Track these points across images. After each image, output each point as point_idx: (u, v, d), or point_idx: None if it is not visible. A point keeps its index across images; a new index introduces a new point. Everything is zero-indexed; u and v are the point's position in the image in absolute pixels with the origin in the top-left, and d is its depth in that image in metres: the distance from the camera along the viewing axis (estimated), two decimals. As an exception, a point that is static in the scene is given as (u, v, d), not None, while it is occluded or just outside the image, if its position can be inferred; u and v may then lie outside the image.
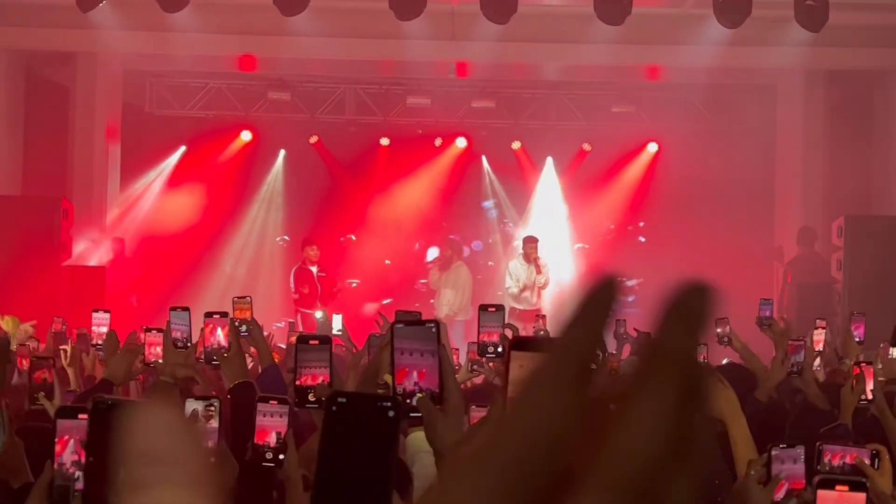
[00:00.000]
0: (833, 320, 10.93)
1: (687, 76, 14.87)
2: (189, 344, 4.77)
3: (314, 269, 14.34)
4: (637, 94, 15.84)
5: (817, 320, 7.54)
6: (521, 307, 13.95)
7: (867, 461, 3.26)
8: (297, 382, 3.30)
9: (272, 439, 3.19)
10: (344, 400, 1.54)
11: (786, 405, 5.88)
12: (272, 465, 3.19)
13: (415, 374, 2.22)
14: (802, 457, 3.01)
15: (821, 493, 2.30)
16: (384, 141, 16.52)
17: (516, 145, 16.60)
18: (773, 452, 2.99)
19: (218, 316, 4.61)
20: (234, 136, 16.36)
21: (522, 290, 14.07)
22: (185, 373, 4.56)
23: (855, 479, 2.40)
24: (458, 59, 14.54)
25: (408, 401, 2.23)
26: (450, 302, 14.56)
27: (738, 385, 4.08)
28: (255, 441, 3.20)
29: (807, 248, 14.37)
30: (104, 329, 6.65)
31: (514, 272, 14.25)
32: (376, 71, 15.68)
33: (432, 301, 14.91)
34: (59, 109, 14.58)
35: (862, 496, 2.30)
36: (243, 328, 5.96)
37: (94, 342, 6.84)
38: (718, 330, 7.41)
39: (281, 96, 15.81)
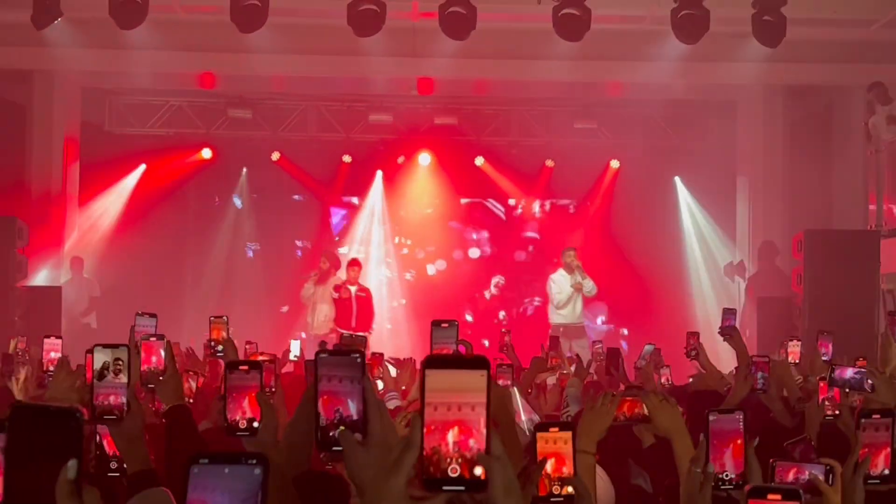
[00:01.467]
0: (793, 335, 10.94)
1: (647, 93, 14.92)
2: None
3: (353, 288, 14.23)
4: (599, 110, 15.86)
5: (790, 342, 7.57)
6: (563, 321, 13.92)
7: (821, 477, 3.22)
8: (228, 413, 3.21)
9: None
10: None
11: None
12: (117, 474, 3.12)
13: (339, 404, 2.18)
14: (740, 420, 2.93)
15: (751, 502, 2.23)
16: (346, 158, 16.45)
17: (479, 161, 16.56)
18: (711, 418, 2.91)
19: (155, 339, 4.52)
20: (194, 154, 16.23)
21: (567, 301, 14.02)
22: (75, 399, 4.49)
23: (788, 487, 2.33)
24: (418, 76, 14.50)
25: (331, 433, 2.20)
26: (326, 317, 14.31)
27: (705, 406, 4.03)
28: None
29: (767, 263, 14.44)
30: (55, 355, 6.52)
31: (558, 282, 14.18)
32: (338, 88, 15.61)
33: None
34: (15, 128, 14.40)
35: None
36: (219, 348, 5.88)
37: (45, 369, 6.69)
38: (690, 342, 7.47)
39: (242, 114, 15.73)
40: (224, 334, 6.11)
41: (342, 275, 14.52)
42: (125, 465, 3.12)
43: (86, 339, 10.96)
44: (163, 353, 4.46)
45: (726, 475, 2.87)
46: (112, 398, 3.14)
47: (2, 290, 12.14)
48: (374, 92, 15.61)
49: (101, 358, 3.18)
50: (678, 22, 11.65)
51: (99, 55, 13.32)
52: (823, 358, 7.26)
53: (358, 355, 2.23)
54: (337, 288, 14.24)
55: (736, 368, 7.20)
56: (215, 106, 15.91)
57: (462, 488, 1.52)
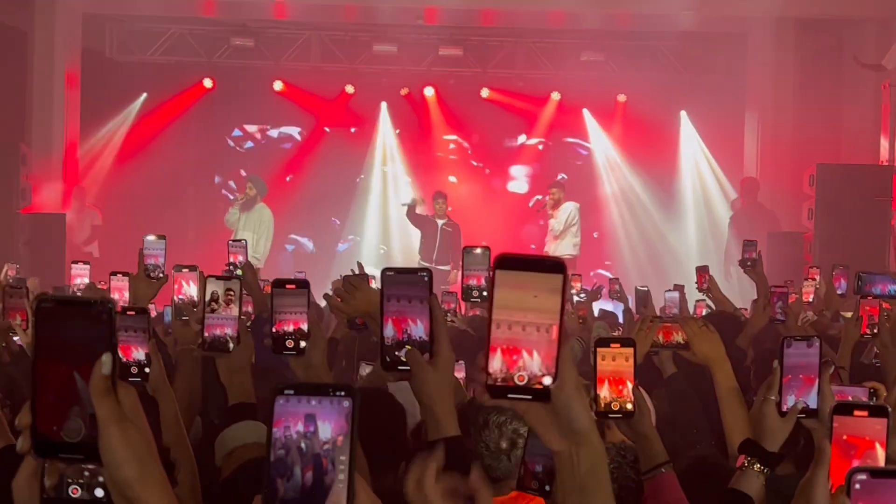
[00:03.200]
0: (804, 269, 10.91)
1: (656, 24, 14.72)
2: (162, 274, 4.60)
3: (441, 221, 14.15)
4: (606, 42, 15.65)
5: (810, 270, 7.50)
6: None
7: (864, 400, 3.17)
8: (274, 329, 3.15)
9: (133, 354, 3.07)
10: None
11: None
12: (138, 379, 3.08)
13: (404, 323, 2.14)
14: (816, 349, 2.86)
15: (838, 419, 2.16)
16: (349, 88, 16.26)
17: (485, 93, 16.37)
18: (787, 349, 2.83)
19: (187, 270, 4.44)
20: (196, 84, 16.01)
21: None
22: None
23: (876, 404, 2.26)
24: (425, 6, 14.27)
25: (396, 353, 2.14)
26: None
27: (722, 332, 3.98)
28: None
29: (749, 199, 14.37)
30: (85, 280, 6.43)
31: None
32: (342, 17, 15.38)
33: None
34: (16, 54, 14.15)
35: (883, 422, 2.16)
36: (239, 271, 5.83)
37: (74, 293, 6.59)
38: (701, 277, 7.45)
39: (244, 42, 15.50)
40: (242, 258, 6.05)
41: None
42: (147, 371, 3.07)
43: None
44: (194, 284, 4.38)
45: (800, 403, 2.79)
46: (222, 330, 3.13)
47: (5, 217, 12.04)
48: (378, 21, 15.39)
49: (211, 288, 3.15)
50: (694, -49, 11.45)
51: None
52: (839, 292, 7.22)
53: (425, 273, 2.16)
54: (421, 220, 14.31)
55: (753, 301, 7.19)
56: (217, 34, 15.68)
57: (529, 397, 1.44)
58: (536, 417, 1.48)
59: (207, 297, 3.14)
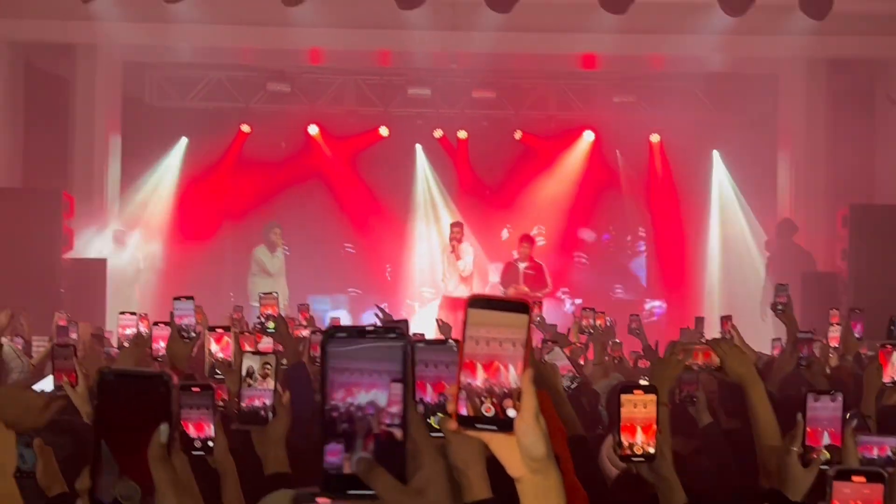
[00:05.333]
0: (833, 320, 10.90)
1: (689, 66, 14.82)
2: (194, 333, 4.73)
3: (522, 265, 14.12)
4: (638, 83, 15.77)
5: (831, 312, 7.52)
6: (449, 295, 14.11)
7: None
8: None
9: (195, 430, 3.14)
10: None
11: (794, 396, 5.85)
12: (201, 453, 3.14)
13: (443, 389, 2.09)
14: (840, 405, 2.96)
15: (836, 484, 2.26)
16: (383, 130, 16.44)
17: (518, 135, 16.51)
18: (811, 402, 2.93)
19: (221, 330, 4.57)
20: (235, 129, 16.25)
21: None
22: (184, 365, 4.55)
23: (872, 469, 2.35)
24: (458, 50, 14.46)
25: (428, 419, 2.10)
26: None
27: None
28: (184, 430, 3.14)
29: (786, 240, 14.34)
30: (132, 331, 6.52)
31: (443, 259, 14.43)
32: (377, 61, 15.61)
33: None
34: (59, 101, 14.49)
35: (879, 487, 2.25)
36: (270, 325, 5.90)
37: (121, 344, 6.66)
38: (722, 329, 7.52)
39: (281, 88, 15.74)
40: (274, 311, 6.12)
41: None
42: (211, 444, 3.14)
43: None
44: (230, 341, 4.51)
45: (823, 455, 2.89)
46: (259, 402, 3.24)
47: (48, 263, 12.26)
48: (412, 66, 15.60)
49: (248, 363, 3.26)
50: (724, -6, 11.55)
51: (142, 29, 13.34)
52: (857, 336, 7.25)
53: (454, 344, 2.23)
54: (507, 266, 14.28)
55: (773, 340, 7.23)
56: (254, 80, 15.94)
57: (494, 428, 1.53)
58: (499, 445, 1.56)
59: (244, 372, 3.24)
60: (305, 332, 6.83)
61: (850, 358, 6.99)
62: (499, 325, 1.54)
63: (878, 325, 8.90)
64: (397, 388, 1.48)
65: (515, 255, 14.25)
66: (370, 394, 1.47)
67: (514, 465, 1.57)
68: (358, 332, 1.48)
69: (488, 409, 1.53)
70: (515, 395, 1.53)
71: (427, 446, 1.53)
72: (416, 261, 16.78)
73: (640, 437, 2.92)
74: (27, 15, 13.17)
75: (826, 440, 2.96)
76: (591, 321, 8.36)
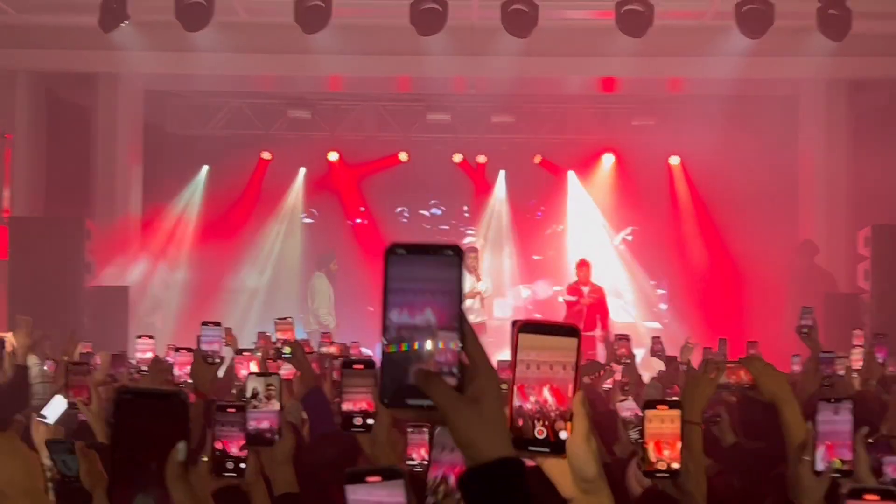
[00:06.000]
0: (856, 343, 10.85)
1: (708, 88, 14.81)
2: (219, 359, 4.77)
3: (586, 289, 14.21)
4: (657, 106, 15.79)
5: (854, 333, 7.49)
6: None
7: None
8: (343, 407, 3.30)
9: (233, 449, 3.16)
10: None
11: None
12: (234, 475, 3.14)
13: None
14: (849, 410, 2.96)
15: (849, 503, 2.26)
16: (402, 156, 16.49)
17: (538, 159, 16.54)
18: (821, 411, 2.95)
19: (248, 353, 4.61)
20: (256, 156, 16.34)
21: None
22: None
23: (887, 488, 2.35)
24: (477, 75, 14.51)
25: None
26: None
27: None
28: (215, 449, 3.15)
29: (808, 261, 14.27)
30: (149, 355, 6.57)
31: None
32: (396, 87, 15.69)
33: None
34: (80, 130, 14.62)
35: None
36: (286, 350, 5.92)
37: (138, 368, 6.72)
38: (750, 352, 7.53)
39: (301, 114, 15.83)
40: (291, 336, 6.13)
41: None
42: (243, 466, 3.15)
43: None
44: (256, 365, 4.55)
45: (835, 463, 2.90)
46: (265, 423, 3.26)
47: (71, 291, 12.33)
48: (431, 91, 15.67)
49: (253, 385, 3.29)
50: (742, 16, 11.57)
51: (163, 57, 13.44)
52: (879, 361, 7.22)
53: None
54: (570, 289, 14.31)
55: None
56: (274, 107, 16.04)
57: (547, 450, 1.56)
58: (551, 466, 1.60)
59: (248, 394, 3.27)
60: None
61: (874, 382, 6.96)
62: (549, 349, 1.57)
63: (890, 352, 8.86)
64: (454, 302, 1.48)
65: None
66: (427, 309, 1.46)
67: (566, 486, 1.60)
68: (416, 249, 1.48)
69: (540, 432, 1.56)
70: (567, 417, 1.56)
71: (482, 358, 1.50)
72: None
73: (665, 452, 2.92)
74: (49, 45, 13.31)
75: (839, 450, 2.96)
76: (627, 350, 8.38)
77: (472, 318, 13.54)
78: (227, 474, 3.15)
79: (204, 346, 4.76)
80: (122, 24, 11.78)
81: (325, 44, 12.61)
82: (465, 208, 17.17)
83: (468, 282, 14.02)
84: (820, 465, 2.92)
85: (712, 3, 12.37)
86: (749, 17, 11.54)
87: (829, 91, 14.69)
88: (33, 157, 13.78)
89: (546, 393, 1.56)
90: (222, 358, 4.82)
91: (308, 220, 16.91)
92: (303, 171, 16.81)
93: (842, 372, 6.65)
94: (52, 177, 14.10)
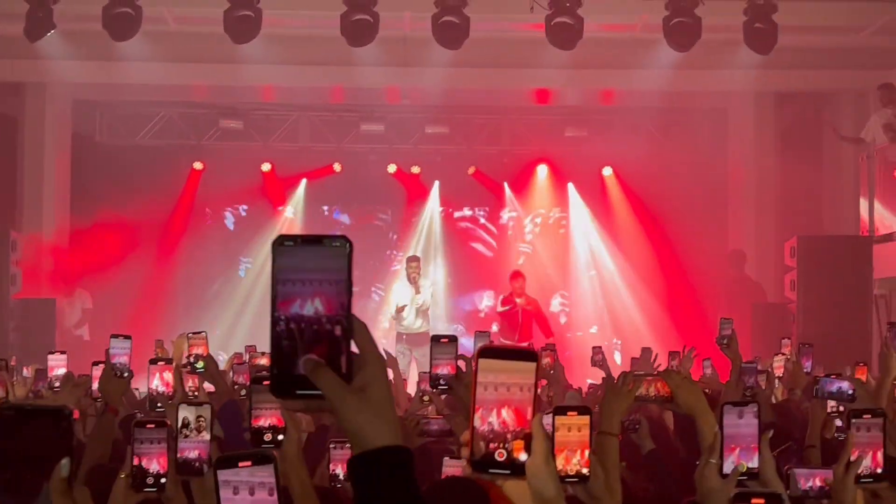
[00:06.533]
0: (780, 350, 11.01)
1: (639, 100, 14.98)
2: (128, 372, 4.73)
3: (520, 300, 14.14)
4: (590, 118, 15.91)
5: (783, 342, 7.61)
6: (402, 330, 14.03)
7: None
8: (252, 423, 3.30)
9: (152, 465, 3.17)
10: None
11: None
12: (154, 490, 3.17)
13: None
14: (754, 413, 3.02)
15: None
16: (336, 167, 16.44)
17: (471, 170, 16.58)
18: (727, 415, 3.01)
19: (163, 363, 4.58)
20: (188, 166, 16.20)
21: (400, 310, 14.05)
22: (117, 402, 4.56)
23: (771, 492, 2.41)
24: (411, 85, 14.54)
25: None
26: None
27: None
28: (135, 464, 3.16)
29: (737, 271, 14.47)
30: (61, 371, 6.52)
31: (397, 292, 14.33)
32: (329, 97, 15.65)
33: None
34: (7, 141, 14.39)
35: None
36: (199, 364, 5.90)
37: (52, 384, 6.66)
38: (673, 363, 7.59)
39: (233, 124, 15.70)
40: (202, 351, 6.12)
41: None
42: (163, 482, 3.17)
43: (79, 351, 11.01)
44: (170, 376, 4.51)
45: (741, 466, 2.96)
46: (194, 454, 3.26)
47: (-4, 303, 12.13)
48: (365, 102, 15.65)
49: (183, 414, 3.28)
50: (670, 29, 11.70)
51: (91, 67, 13.30)
52: (806, 370, 7.34)
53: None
54: (505, 301, 14.26)
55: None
56: (206, 116, 15.90)
57: (507, 472, 1.58)
58: (512, 488, 1.66)
59: (179, 424, 3.26)
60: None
61: (799, 392, 7.05)
62: (508, 372, 1.60)
63: (827, 355, 9.03)
64: (342, 292, 1.47)
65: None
66: (316, 299, 1.47)
67: None
68: (303, 240, 1.49)
69: (500, 454, 1.59)
70: (526, 439, 1.59)
71: (370, 348, 1.51)
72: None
73: (575, 458, 2.94)
74: (-27, 55, 13.10)
75: (744, 453, 3.02)
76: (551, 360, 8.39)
77: (415, 328, 13.67)
78: (147, 489, 3.17)
79: (113, 360, 4.72)
80: (49, 34, 11.60)
81: (257, 54, 12.55)
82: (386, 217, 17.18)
83: (408, 293, 14.09)
84: (726, 468, 2.97)
85: (641, 17, 12.50)
86: (677, 31, 11.68)
87: (756, 103, 14.93)
88: (-42, 167, 13.55)
89: (505, 415, 1.59)
90: (131, 372, 4.77)
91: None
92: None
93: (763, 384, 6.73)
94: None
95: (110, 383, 4.65)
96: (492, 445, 1.59)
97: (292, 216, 16.81)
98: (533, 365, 1.61)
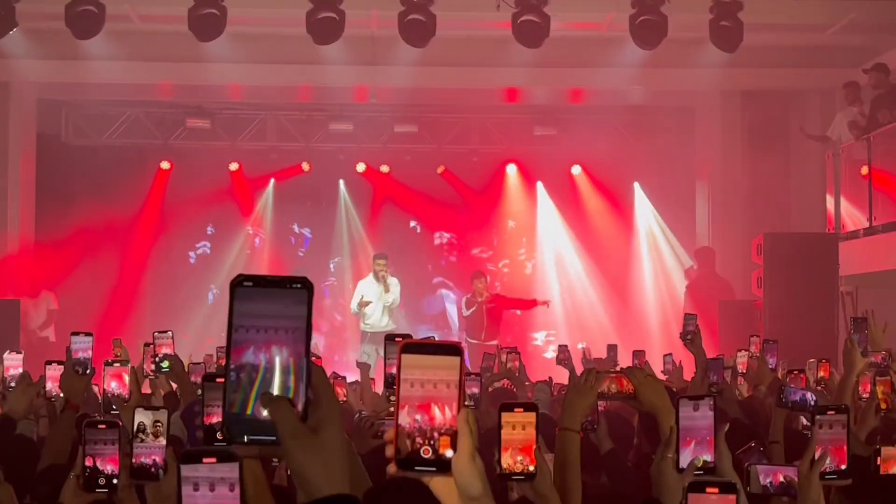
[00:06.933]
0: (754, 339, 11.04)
1: (608, 99, 15.00)
2: (90, 369, 4.68)
3: (481, 298, 14.09)
4: (559, 117, 15.91)
5: (751, 339, 7.61)
6: (367, 328, 14.01)
7: (795, 478, 3.32)
8: (206, 420, 3.26)
9: (106, 466, 3.15)
10: None
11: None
12: (105, 490, 3.14)
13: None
14: (710, 407, 3.01)
15: (692, 496, 2.32)
16: (305, 166, 16.36)
17: (440, 170, 16.55)
18: (682, 405, 2.98)
19: (118, 364, 4.53)
20: (155, 166, 16.08)
21: (365, 304, 14.01)
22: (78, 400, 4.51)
23: (725, 480, 2.41)
24: (379, 84, 14.50)
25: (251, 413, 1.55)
26: None
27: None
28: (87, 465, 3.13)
29: (706, 269, 14.51)
30: (18, 371, 6.45)
31: (363, 290, 14.28)
32: (297, 97, 15.58)
33: None
34: (-29, 141, 14.22)
35: (732, 498, 2.37)
36: (165, 364, 5.85)
37: (6, 385, 6.60)
38: (636, 361, 7.60)
39: (201, 124, 15.61)
40: (168, 350, 6.08)
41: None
42: (115, 482, 3.14)
43: (44, 352, 10.88)
44: (127, 377, 4.46)
45: (698, 461, 2.96)
46: (149, 458, 3.22)
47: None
48: (333, 101, 15.59)
49: (140, 419, 3.25)
50: (636, 27, 11.72)
51: (55, 66, 13.20)
52: (770, 366, 7.35)
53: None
54: (469, 303, 14.22)
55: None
56: (173, 116, 15.80)
57: (433, 469, 1.56)
58: (437, 485, 1.59)
59: (135, 428, 3.22)
60: None
61: (764, 388, 7.06)
62: (432, 368, 1.57)
63: (791, 352, 9.05)
64: (300, 338, 1.48)
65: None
66: (273, 346, 1.47)
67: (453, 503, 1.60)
68: (263, 282, 1.49)
69: (426, 451, 1.56)
70: (452, 436, 1.56)
71: (326, 392, 1.52)
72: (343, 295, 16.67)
73: (520, 455, 2.92)
74: (-64, 53, 12.94)
75: (701, 447, 3.01)
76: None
77: (381, 326, 13.61)
78: (98, 490, 3.15)
79: (74, 356, 4.67)
80: (11, 32, 11.48)
81: (223, 52, 12.50)
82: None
83: (375, 291, 14.05)
84: (682, 462, 2.96)
85: (607, 15, 12.51)
86: (643, 29, 11.69)
87: (724, 102, 14.98)
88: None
89: (431, 411, 1.57)
90: (93, 368, 4.73)
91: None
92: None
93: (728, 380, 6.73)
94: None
95: (71, 380, 4.60)
96: (417, 442, 1.56)
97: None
98: (457, 360, 1.58)
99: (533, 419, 2.93)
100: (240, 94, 15.45)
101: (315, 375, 1.50)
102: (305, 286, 1.48)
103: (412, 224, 17.05)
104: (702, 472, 2.96)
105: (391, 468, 1.56)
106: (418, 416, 1.56)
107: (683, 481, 2.88)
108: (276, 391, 1.47)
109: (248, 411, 1.46)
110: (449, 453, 1.56)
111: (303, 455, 1.47)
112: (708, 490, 2.32)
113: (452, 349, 1.58)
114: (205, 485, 2.07)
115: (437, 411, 1.57)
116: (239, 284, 1.47)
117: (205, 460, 2.07)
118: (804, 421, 5.17)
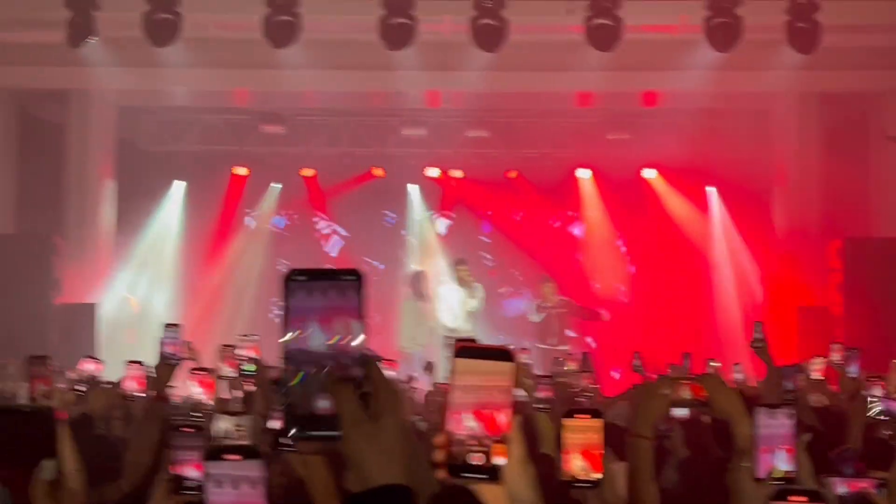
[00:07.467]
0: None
1: (681, 101, 14.83)
2: (176, 361, 4.79)
3: (549, 303, 14.19)
4: (631, 120, 15.77)
5: (832, 347, 7.47)
6: (451, 334, 13.84)
7: (873, 490, 3.25)
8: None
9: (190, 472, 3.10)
10: None
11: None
12: (194, 492, 3.09)
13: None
14: (788, 416, 2.95)
15: None
16: (377, 171, 16.44)
17: (513, 174, 16.52)
18: (762, 417, 2.94)
19: (205, 372, 4.61)
20: (228, 172, 16.29)
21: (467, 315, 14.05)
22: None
23: (812, 489, 2.34)
24: (451, 89, 14.52)
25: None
26: None
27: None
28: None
29: (782, 275, 14.22)
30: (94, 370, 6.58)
31: (445, 297, 14.22)
32: (370, 102, 15.67)
33: None
34: (52, 147, 14.51)
35: None
36: (250, 367, 5.90)
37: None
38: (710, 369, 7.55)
39: (275, 130, 15.77)
40: (258, 353, 6.13)
41: None
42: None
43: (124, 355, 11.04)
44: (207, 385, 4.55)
45: (775, 472, 2.89)
46: None
47: (40, 308, 12.24)
48: (405, 106, 15.64)
49: (222, 425, 3.35)
50: (711, 30, 11.59)
51: (134, 74, 13.40)
52: (851, 375, 7.22)
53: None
54: (539, 308, 14.28)
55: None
56: (248, 122, 15.97)
57: (484, 476, 1.54)
58: (488, 493, 1.57)
59: (218, 433, 3.27)
60: None
61: (844, 397, 6.94)
62: (484, 374, 1.56)
63: (872, 359, 8.86)
64: (356, 326, 1.49)
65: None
66: (329, 335, 1.48)
67: None
68: (317, 275, 1.51)
69: (476, 458, 1.54)
70: (505, 443, 1.54)
71: (384, 383, 1.52)
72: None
73: (585, 462, 2.89)
74: (20, 62, 13.24)
75: (779, 456, 2.94)
76: None
77: (465, 333, 13.58)
78: (186, 492, 3.10)
79: (164, 348, 4.79)
80: (90, 41, 11.70)
81: (297, 59, 12.59)
82: None
83: (460, 296, 14.06)
84: (760, 472, 2.90)
85: (681, 17, 12.38)
86: (718, 31, 11.56)
87: (800, 104, 14.71)
88: (4, 173, 13.69)
89: (483, 418, 1.55)
90: (180, 359, 4.83)
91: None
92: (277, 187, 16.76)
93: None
94: (23, 194, 14.01)
95: (161, 369, 4.70)
96: (468, 449, 1.54)
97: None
98: (510, 366, 1.56)
99: (597, 425, 2.90)
100: (314, 100, 15.57)
101: (372, 368, 1.50)
102: (357, 277, 1.50)
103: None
104: (780, 482, 2.90)
105: (440, 474, 1.55)
106: (470, 423, 1.55)
107: (761, 491, 2.83)
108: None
109: (307, 406, 1.46)
110: (500, 461, 1.54)
111: (360, 442, 1.47)
112: (791, 498, 2.24)
113: (505, 354, 1.57)
114: (228, 482, 2.08)
115: (489, 418, 1.55)
116: (291, 279, 1.48)
117: (228, 457, 2.07)
118: (886, 432, 5.06)
